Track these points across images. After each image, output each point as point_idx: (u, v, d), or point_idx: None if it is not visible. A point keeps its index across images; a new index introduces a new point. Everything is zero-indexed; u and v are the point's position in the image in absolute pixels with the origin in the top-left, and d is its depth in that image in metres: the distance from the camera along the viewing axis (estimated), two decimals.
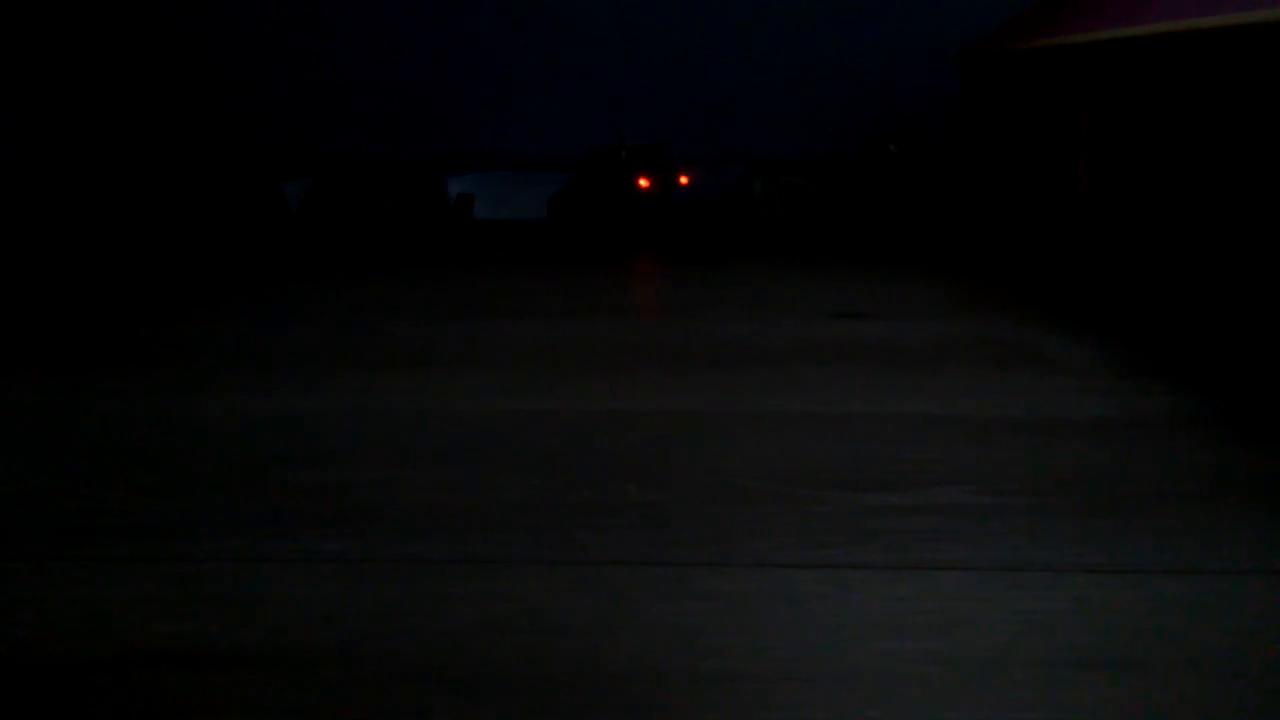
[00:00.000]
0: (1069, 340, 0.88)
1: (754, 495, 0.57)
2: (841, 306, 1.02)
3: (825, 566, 0.49)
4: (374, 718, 0.38)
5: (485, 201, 1.65)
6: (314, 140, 1.74)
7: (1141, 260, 0.98)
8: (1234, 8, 0.76)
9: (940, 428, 0.67)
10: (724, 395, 0.74)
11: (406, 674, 0.40)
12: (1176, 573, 0.48)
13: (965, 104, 1.58)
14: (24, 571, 0.49)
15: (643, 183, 1.45)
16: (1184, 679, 0.40)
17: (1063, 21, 1.18)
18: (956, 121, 1.63)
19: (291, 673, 0.40)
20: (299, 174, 1.60)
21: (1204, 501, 0.56)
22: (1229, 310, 0.83)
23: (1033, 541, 0.51)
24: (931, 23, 1.66)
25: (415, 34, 1.72)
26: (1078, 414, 0.70)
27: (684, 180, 1.48)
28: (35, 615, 0.45)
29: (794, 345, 0.88)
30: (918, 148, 1.56)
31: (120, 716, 0.38)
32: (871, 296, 1.07)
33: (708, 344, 0.88)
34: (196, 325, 0.97)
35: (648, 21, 1.71)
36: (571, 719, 0.37)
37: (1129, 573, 0.48)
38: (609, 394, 0.75)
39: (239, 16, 1.71)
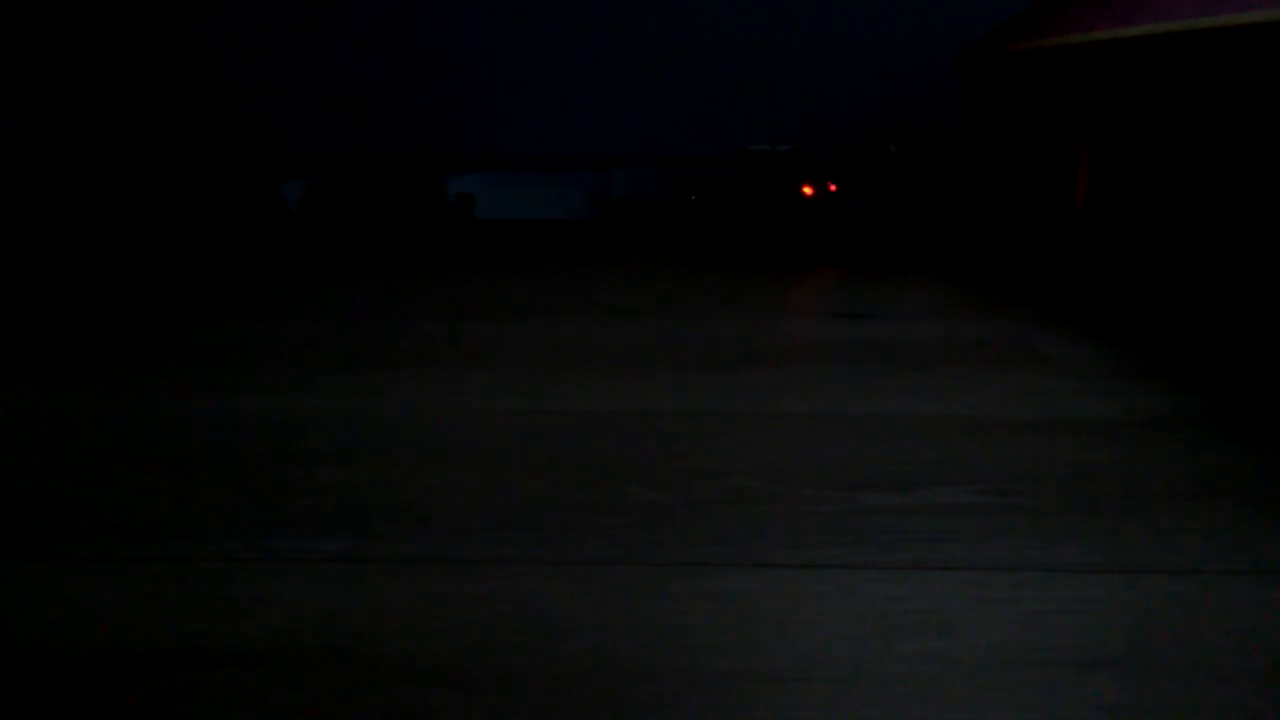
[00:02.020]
0: (1069, 340, 0.88)
1: (754, 495, 0.57)
2: (841, 306, 1.02)
3: (825, 566, 0.49)
4: (374, 718, 0.38)
5: (485, 201, 1.65)
6: (314, 140, 1.74)
7: (1142, 260, 0.98)
8: (1234, 8, 0.76)
9: (940, 428, 0.67)
10: (724, 395, 0.74)
11: (406, 674, 0.40)
12: (1176, 573, 0.48)
13: (965, 104, 1.58)
14: (24, 571, 0.49)
15: (807, 190, 1.37)
16: (1184, 679, 0.40)
17: (1063, 21, 1.18)
18: (957, 122, 1.63)
19: (291, 673, 0.40)
20: (299, 174, 1.60)
21: (1203, 501, 0.56)
22: (1229, 310, 0.83)
23: (1033, 541, 0.51)
24: (932, 23, 1.66)
25: (415, 34, 1.72)
26: (1078, 414, 0.70)
27: (833, 187, 1.41)
28: (35, 615, 0.45)
29: (794, 345, 0.88)
30: (918, 148, 1.56)
31: (120, 716, 0.38)
32: (871, 296, 1.07)
33: (707, 344, 0.88)
34: (196, 325, 0.97)
35: (647, 20, 1.71)
36: (571, 719, 0.37)
37: (1129, 573, 0.48)
38: (609, 394, 0.75)
39: (239, 16, 1.71)
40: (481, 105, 1.74)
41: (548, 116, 1.74)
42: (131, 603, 0.46)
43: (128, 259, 1.33)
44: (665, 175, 1.69)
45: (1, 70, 1.43)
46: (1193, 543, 0.51)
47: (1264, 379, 0.77)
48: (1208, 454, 0.62)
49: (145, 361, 0.85)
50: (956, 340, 0.89)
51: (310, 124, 1.74)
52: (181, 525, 0.53)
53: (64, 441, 0.66)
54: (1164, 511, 0.54)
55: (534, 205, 1.69)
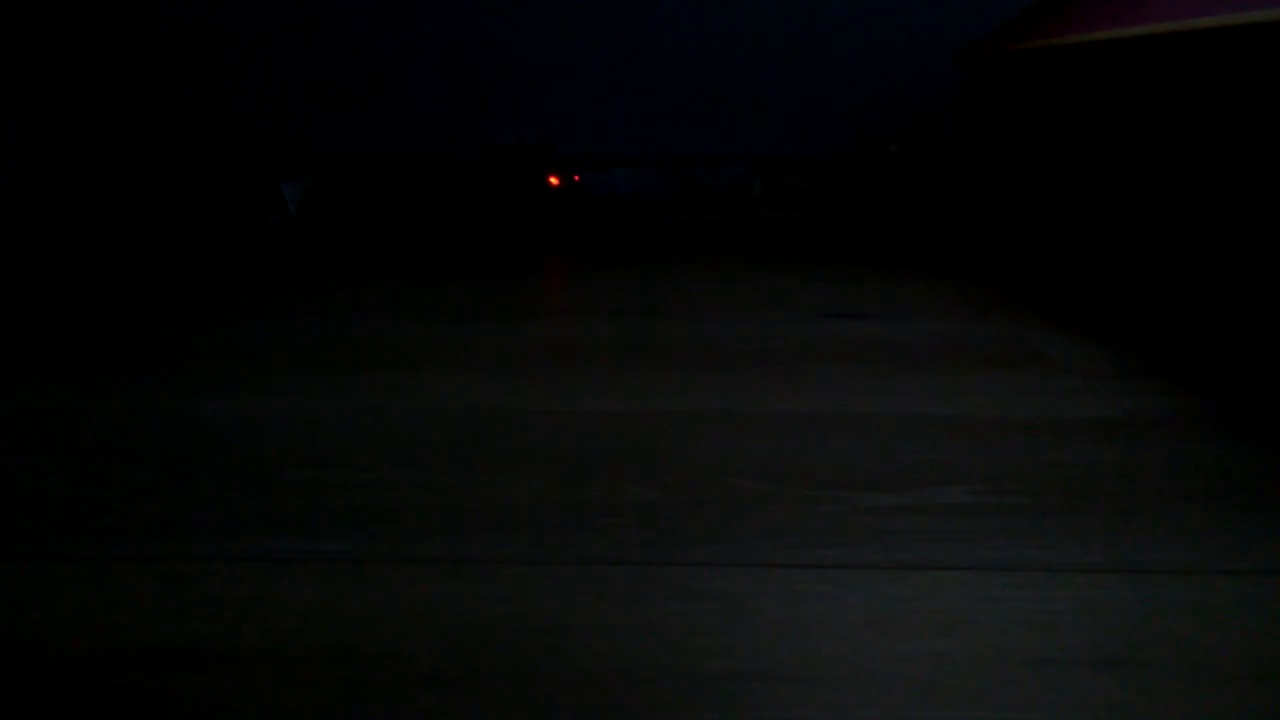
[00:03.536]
0: (1069, 340, 0.88)
1: (754, 495, 0.57)
2: (841, 306, 1.02)
3: (825, 566, 0.49)
4: (374, 718, 0.38)
5: None
6: (314, 140, 1.74)
7: (1141, 260, 0.98)
8: (1234, 8, 0.76)
9: (940, 428, 0.67)
10: (724, 395, 0.74)
11: (406, 674, 0.40)
12: (1176, 573, 0.48)
13: (965, 104, 1.58)
14: (24, 571, 0.49)
15: (553, 180, 1.47)
16: (1184, 679, 0.40)
17: (1062, 21, 1.18)
18: (957, 121, 1.63)
19: (291, 673, 0.40)
20: (299, 174, 1.59)
21: (1204, 501, 0.56)
22: (1229, 310, 0.83)
23: (1033, 541, 0.51)
24: (932, 22, 1.66)
25: (416, 35, 1.72)
26: (1078, 414, 0.70)
27: (576, 178, 1.52)
28: (35, 615, 0.45)
29: (794, 345, 0.88)
30: (918, 147, 1.56)
31: (120, 716, 0.38)
32: (871, 296, 1.07)
33: (707, 344, 0.88)
34: (197, 325, 0.97)
35: (649, 21, 1.71)
36: (571, 719, 0.37)
37: (1129, 573, 0.48)
38: (608, 394, 0.75)
39: (238, 17, 1.71)
40: (481, 106, 1.74)
41: (548, 117, 1.74)
42: (131, 603, 0.46)
43: (128, 260, 1.33)
44: (665, 175, 1.69)
45: (2, 74, 1.43)
46: (1193, 543, 0.51)
47: (1263, 379, 0.77)
48: (1208, 454, 0.62)
49: (146, 361, 0.85)
50: (957, 340, 0.89)
51: (310, 124, 1.74)
52: (181, 525, 0.53)
53: (64, 441, 0.66)
54: (1164, 511, 0.54)
55: None
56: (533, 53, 1.72)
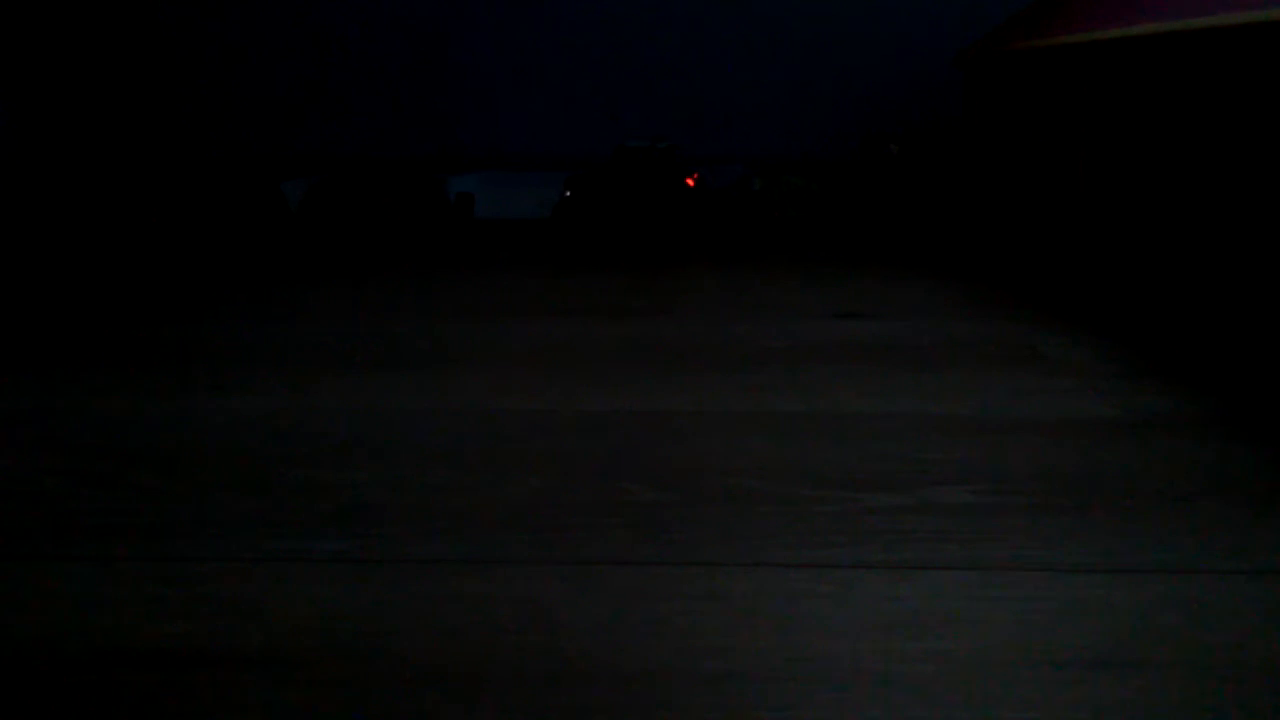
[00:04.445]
0: (1069, 339, 0.88)
1: (754, 495, 0.57)
2: (841, 306, 1.02)
3: (825, 566, 0.49)
4: (374, 718, 0.38)
5: (485, 201, 1.65)
6: (314, 140, 1.74)
7: (1141, 260, 0.98)
8: (1234, 8, 0.76)
9: (940, 428, 0.67)
10: (724, 395, 0.74)
11: (406, 674, 0.40)
12: (1176, 573, 0.48)
13: (965, 104, 1.58)
14: (24, 571, 0.49)
15: (690, 181, 1.50)
16: (1184, 679, 0.40)
17: (1063, 21, 1.18)
18: (957, 121, 1.63)
19: (291, 673, 0.40)
20: (299, 174, 1.59)
21: (1203, 501, 0.56)
22: (1228, 309, 0.83)
23: (1033, 541, 0.51)
24: (932, 23, 1.66)
25: (415, 33, 1.72)
26: (1077, 414, 0.70)
27: (689, 182, 1.54)
28: (35, 615, 0.45)
29: (794, 345, 0.88)
30: (918, 148, 1.56)
31: (120, 716, 0.38)
32: (871, 296, 1.07)
33: (708, 344, 0.88)
34: (197, 325, 0.97)
35: (648, 21, 1.71)
36: (571, 719, 0.37)
37: (1129, 573, 0.48)
38: (609, 394, 0.75)
39: (238, 16, 1.71)
40: (482, 106, 1.74)
41: (548, 117, 1.74)
42: (131, 603, 0.45)
43: (129, 259, 1.33)
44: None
45: (1, 75, 1.43)
46: (1193, 543, 0.51)
47: (1263, 378, 0.77)
48: (1207, 453, 0.62)
49: (145, 361, 0.85)
50: (956, 340, 0.89)
51: (310, 124, 1.74)
52: (181, 525, 0.53)
53: (64, 441, 0.66)
54: (1164, 511, 0.54)
55: (534, 205, 1.69)
56: (533, 53, 1.72)
